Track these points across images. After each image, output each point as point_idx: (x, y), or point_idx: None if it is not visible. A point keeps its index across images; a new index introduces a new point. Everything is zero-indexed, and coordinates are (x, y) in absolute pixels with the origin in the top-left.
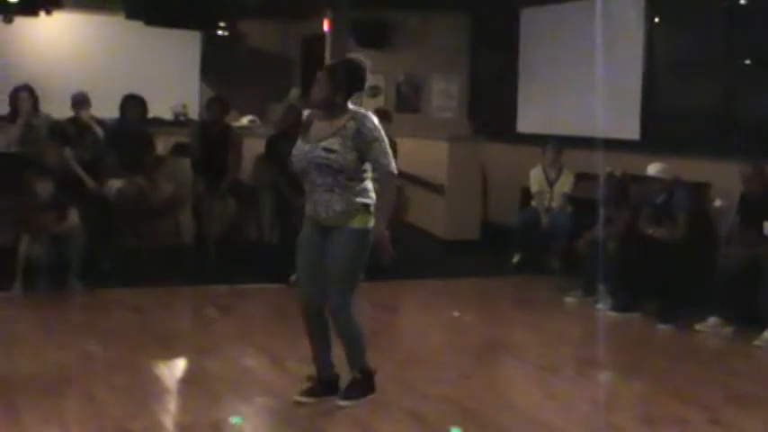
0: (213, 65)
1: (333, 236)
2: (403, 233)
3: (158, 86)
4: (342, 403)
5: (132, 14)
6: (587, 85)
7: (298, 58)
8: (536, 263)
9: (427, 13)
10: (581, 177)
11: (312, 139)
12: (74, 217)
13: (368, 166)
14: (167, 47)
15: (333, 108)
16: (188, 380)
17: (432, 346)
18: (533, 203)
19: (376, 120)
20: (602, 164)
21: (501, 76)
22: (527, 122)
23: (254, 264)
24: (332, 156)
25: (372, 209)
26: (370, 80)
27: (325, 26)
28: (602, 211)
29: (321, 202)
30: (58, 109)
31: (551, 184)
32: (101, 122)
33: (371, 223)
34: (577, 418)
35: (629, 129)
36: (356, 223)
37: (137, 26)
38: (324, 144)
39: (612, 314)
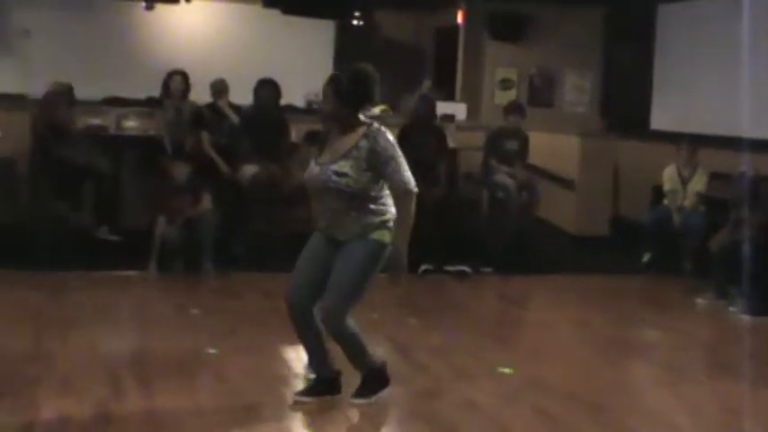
0: (346, 54)
1: (347, 245)
2: (533, 227)
3: (292, 74)
4: (354, 401)
5: (270, 3)
6: (725, 82)
7: (430, 49)
8: (667, 262)
9: (563, 7)
10: (715, 177)
11: (324, 161)
12: (207, 201)
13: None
14: (302, 35)
15: (343, 122)
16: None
17: (558, 342)
18: (665, 202)
19: (390, 135)
20: (745, 163)
21: (635, 73)
22: (661, 119)
23: None
24: (343, 180)
25: (391, 224)
26: (501, 74)
27: (459, 18)
28: (732, 212)
29: (336, 224)
30: (196, 95)
31: (685, 182)
32: (237, 109)
33: (388, 238)
34: (707, 422)
35: None
36: (373, 236)
37: (274, 15)
38: (335, 167)
39: (746, 318)
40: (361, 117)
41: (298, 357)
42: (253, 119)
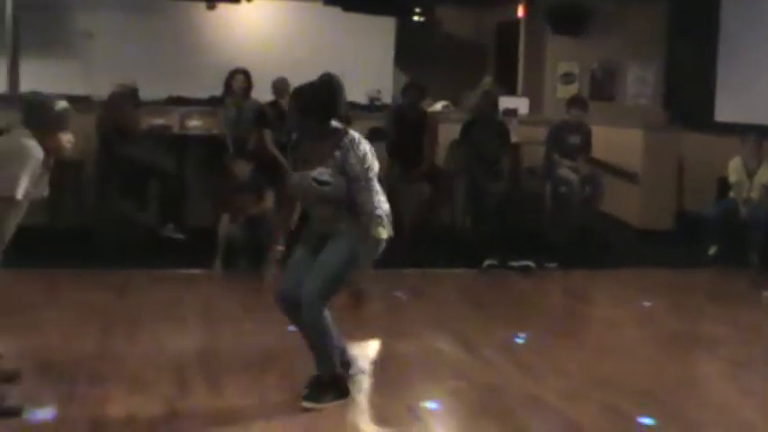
0: (407, 50)
1: (335, 236)
2: (597, 221)
3: (353, 71)
4: (304, 404)
5: (330, 1)
6: None
7: (491, 44)
8: (733, 255)
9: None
10: None
11: (301, 167)
12: (270, 199)
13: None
14: (363, 33)
15: (312, 132)
16: (381, 361)
17: (624, 338)
18: (731, 194)
19: (365, 146)
20: None
21: (699, 64)
22: (726, 111)
23: (446, 248)
24: (326, 188)
25: (382, 219)
26: (563, 68)
27: (520, 12)
28: None
29: (326, 226)
30: (257, 93)
31: (751, 174)
32: None
33: (383, 234)
34: None
35: None
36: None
37: (334, 12)
38: (314, 175)
39: None
40: (333, 124)
41: (363, 354)
42: None
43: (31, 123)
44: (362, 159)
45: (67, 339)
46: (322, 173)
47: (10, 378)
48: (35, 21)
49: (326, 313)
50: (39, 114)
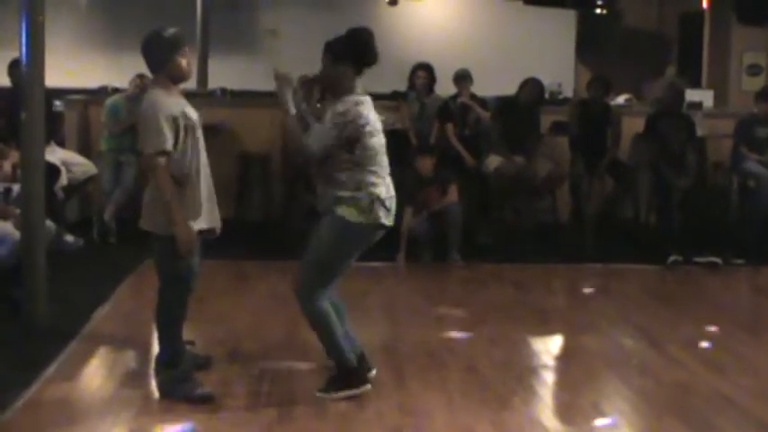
0: (589, 43)
1: (321, 222)
2: None
3: (534, 64)
4: (318, 395)
5: None
6: None
7: (674, 35)
8: None
9: None
10: None
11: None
12: (453, 193)
13: (352, 156)
14: (544, 25)
15: (335, 87)
16: (566, 356)
17: None
18: None
19: (348, 109)
20: None
21: None
22: None
23: (630, 243)
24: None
25: (367, 203)
26: (749, 59)
27: (705, 2)
28: None
29: (319, 190)
30: (440, 87)
31: None
32: (481, 101)
33: (357, 217)
34: None
35: None
36: (339, 211)
37: (515, 5)
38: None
39: None
40: (357, 90)
41: (547, 350)
42: (504, 111)
43: (150, 64)
44: (333, 119)
45: (257, 328)
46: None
47: (202, 365)
48: (223, 19)
49: (324, 304)
50: (153, 49)
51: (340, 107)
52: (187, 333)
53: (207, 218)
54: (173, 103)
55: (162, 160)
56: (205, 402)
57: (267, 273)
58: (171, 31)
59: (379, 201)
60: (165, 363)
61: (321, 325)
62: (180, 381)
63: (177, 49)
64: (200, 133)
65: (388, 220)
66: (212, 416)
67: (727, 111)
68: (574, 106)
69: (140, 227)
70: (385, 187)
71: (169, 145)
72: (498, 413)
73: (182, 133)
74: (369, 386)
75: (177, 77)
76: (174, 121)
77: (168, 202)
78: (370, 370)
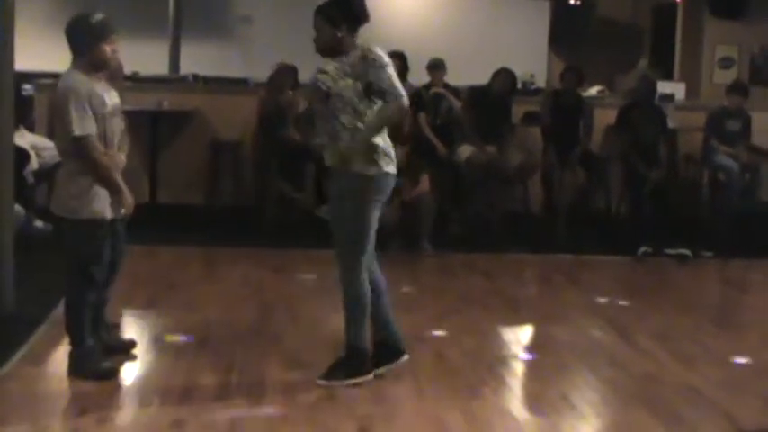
0: (562, 34)
1: (334, 188)
2: (756, 210)
3: (507, 55)
4: (319, 382)
5: None
6: None
7: (648, 27)
8: None
9: None
10: None
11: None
12: (425, 182)
13: (367, 107)
14: (517, 15)
15: (339, 49)
16: (536, 347)
17: None
18: None
19: (371, 52)
20: None
21: None
22: None
23: (601, 234)
24: (323, 76)
25: (381, 158)
26: (721, 52)
27: None
28: None
29: (326, 140)
30: (412, 76)
31: None
32: (454, 90)
33: (375, 171)
34: None
35: None
36: (355, 168)
37: None
38: (319, 67)
39: None
40: (357, 41)
41: (517, 340)
42: (477, 101)
43: (73, 48)
44: (380, 61)
45: (226, 315)
46: (326, 64)
47: (125, 348)
48: (195, 5)
49: (365, 287)
50: (79, 33)
51: (371, 53)
52: (154, 319)
53: (115, 207)
54: (91, 88)
55: (93, 142)
56: (109, 377)
57: (238, 260)
58: (99, 17)
59: (382, 150)
60: (71, 342)
61: (357, 308)
62: (85, 357)
63: (105, 35)
64: (116, 121)
65: (393, 168)
66: (181, 406)
67: (698, 103)
68: (546, 97)
69: (51, 211)
70: (382, 137)
71: (94, 127)
72: (468, 402)
73: (101, 121)
74: (372, 375)
75: (100, 64)
76: (92, 105)
77: (108, 178)
78: (401, 353)
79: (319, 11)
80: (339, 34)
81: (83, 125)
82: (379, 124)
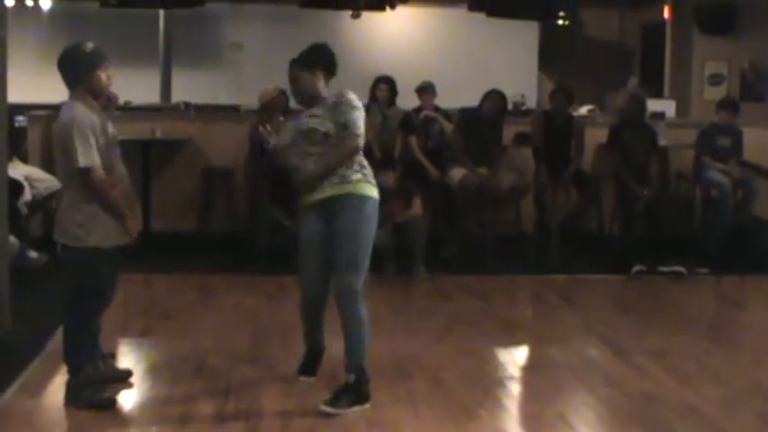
0: (551, 54)
1: (339, 216)
2: (750, 226)
3: (497, 76)
4: (326, 409)
5: (475, 6)
6: None
7: (637, 46)
8: None
9: None
10: None
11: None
12: (417, 205)
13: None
14: (507, 37)
15: (317, 95)
16: (531, 367)
17: None
18: None
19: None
20: None
21: None
22: None
23: (594, 254)
24: (315, 120)
25: (372, 180)
26: (710, 69)
27: (666, 13)
28: None
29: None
30: (402, 100)
31: None
32: (444, 113)
33: (373, 192)
34: None
35: None
36: (357, 190)
37: (478, 17)
38: (308, 113)
39: None
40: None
41: (513, 361)
42: (467, 123)
43: (69, 78)
44: (351, 104)
45: (221, 342)
46: (314, 110)
47: (122, 378)
48: (185, 33)
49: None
50: (74, 63)
51: (344, 97)
52: (150, 348)
53: (119, 234)
54: (94, 118)
55: (99, 172)
56: (106, 407)
57: (232, 287)
58: (91, 45)
59: (370, 176)
60: (69, 371)
61: (362, 330)
62: (82, 387)
63: (99, 63)
64: (117, 150)
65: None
66: (182, 423)
67: (689, 120)
68: (537, 117)
69: (54, 239)
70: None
71: (98, 157)
72: (464, 425)
73: (102, 149)
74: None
75: (97, 91)
76: (94, 134)
77: (115, 206)
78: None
79: (295, 62)
80: (318, 81)
81: (87, 156)
82: (334, 161)
